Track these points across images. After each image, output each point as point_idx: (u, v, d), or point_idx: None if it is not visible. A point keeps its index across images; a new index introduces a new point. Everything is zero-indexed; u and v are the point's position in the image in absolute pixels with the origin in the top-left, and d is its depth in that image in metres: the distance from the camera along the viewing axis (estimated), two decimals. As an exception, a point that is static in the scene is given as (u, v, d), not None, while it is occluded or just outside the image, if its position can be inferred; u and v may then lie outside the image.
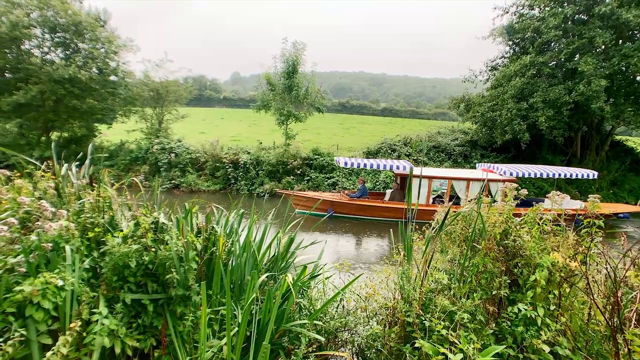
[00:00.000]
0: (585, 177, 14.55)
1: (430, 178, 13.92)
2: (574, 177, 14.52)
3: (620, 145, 23.65)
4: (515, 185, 4.01)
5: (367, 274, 3.97)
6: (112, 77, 20.85)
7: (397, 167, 14.07)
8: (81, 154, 4.30)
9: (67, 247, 2.72)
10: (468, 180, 13.83)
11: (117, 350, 2.61)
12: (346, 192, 15.31)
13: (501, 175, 14.23)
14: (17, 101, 17.75)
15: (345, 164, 14.41)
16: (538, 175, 14.29)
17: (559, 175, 14.36)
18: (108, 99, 20.48)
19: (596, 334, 3.04)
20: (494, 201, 14.45)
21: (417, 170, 14.38)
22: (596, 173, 14.73)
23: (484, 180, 13.73)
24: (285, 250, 4.14)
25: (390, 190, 15.06)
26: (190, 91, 24.77)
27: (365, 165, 14.36)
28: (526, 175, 14.18)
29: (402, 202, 14.13)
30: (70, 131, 20.97)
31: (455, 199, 14.21)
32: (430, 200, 14.01)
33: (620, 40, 18.69)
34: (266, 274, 3.27)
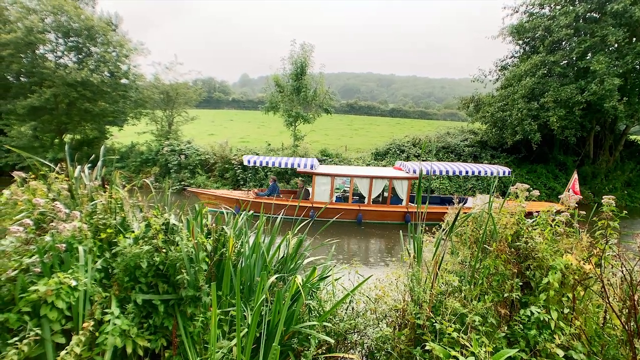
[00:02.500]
0: (497, 174, 14.18)
1: (332, 176, 13.75)
2: (483, 174, 14.23)
3: (635, 145, 23.20)
4: (526, 186, 3.96)
5: (376, 276, 3.95)
6: (123, 80, 21.16)
7: (299, 165, 13.93)
8: (93, 156, 4.36)
9: (80, 248, 2.76)
10: (371, 178, 13.71)
11: (129, 350, 2.64)
12: (255, 190, 15.23)
13: (407, 173, 14.10)
14: (32, 104, 18.12)
15: (248, 162, 14.39)
16: (444, 173, 14.12)
17: (468, 172, 14.09)
18: (119, 101, 20.77)
19: (612, 338, 2.98)
20: (400, 199, 14.11)
21: (321, 168, 14.31)
22: (509, 170, 14.44)
23: (387, 178, 13.74)
24: (294, 251, 4.14)
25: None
26: (199, 93, 24.99)
27: (267, 163, 14.34)
28: (435, 173, 14.08)
29: (306, 200, 13.97)
30: (83, 133, 21.32)
31: (359, 197, 14.10)
32: (334, 199, 13.90)
33: (634, 38, 18.34)
34: (275, 275, 3.27)
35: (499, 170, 14.27)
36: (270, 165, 14.47)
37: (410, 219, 13.58)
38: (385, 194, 14.14)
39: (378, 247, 11.93)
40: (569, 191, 13.44)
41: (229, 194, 14.41)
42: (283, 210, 5.08)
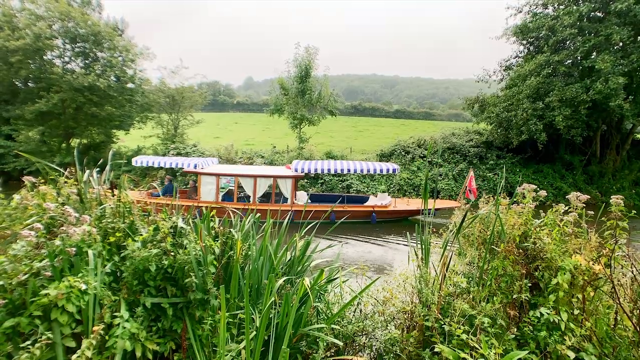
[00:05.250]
0: (386, 171, 14.42)
1: (217, 175, 13.91)
2: (370, 171, 14.45)
3: (643, 144, 22.97)
4: (533, 186, 3.93)
5: (384, 278, 3.94)
6: (129, 85, 21.36)
7: (183, 165, 14.18)
8: (102, 160, 4.40)
9: (90, 252, 2.78)
10: (255, 177, 13.88)
11: (138, 353, 2.65)
12: (150, 191, 15.32)
13: (296, 171, 14.26)
14: (40, 109, 18.34)
15: (136, 162, 14.61)
16: (332, 171, 14.48)
17: (351, 170, 14.40)
18: (125, 105, 20.96)
19: (624, 339, 2.95)
20: (284, 198, 14.10)
21: (209, 168, 14.53)
22: (395, 167, 14.69)
23: (270, 176, 13.95)
24: (302, 254, 4.14)
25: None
26: (204, 97, 25.13)
27: (154, 163, 14.61)
28: (323, 171, 14.39)
29: (194, 199, 14.07)
30: (89, 138, 21.53)
31: (244, 196, 14.32)
32: (220, 198, 14.03)
33: (639, 37, 18.20)
34: (284, 278, 3.27)
35: (386, 167, 14.54)
36: (156, 165, 14.71)
37: (295, 217, 13.59)
38: (282, 193, 14.34)
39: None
40: (466, 189, 13.74)
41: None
42: (290, 213, 5.09)
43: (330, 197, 15.83)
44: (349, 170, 14.50)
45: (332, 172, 14.58)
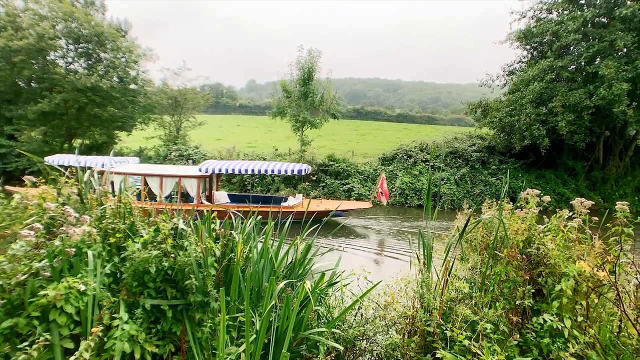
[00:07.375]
0: (291, 172, 14.59)
1: (125, 174, 13.82)
2: (281, 172, 14.66)
3: (646, 150, 22.87)
4: (537, 191, 3.90)
5: (385, 282, 3.91)
6: (132, 86, 21.41)
7: (97, 164, 14.29)
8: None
9: (89, 253, 2.76)
10: (161, 176, 14.06)
11: (137, 355, 2.62)
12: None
13: (200, 171, 14.32)
14: (42, 109, 18.39)
15: (48, 160, 14.60)
16: (243, 172, 14.61)
17: (266, 171, 14.61)
18: (128, 106, 21.01)
19: (627, 347, 2.91)
20: (189, 198, 13.50)
21: (116, 168, 14.64)
22: (309, 168, 14.82)
23: (176, 176, 14.13)
24: (303, 257, 4.12)
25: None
26: (207, 99, 25.18)
27: (66, 161, 14.64)
28: (227, 171, 14.51)
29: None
30: (92, 138, 21.58)
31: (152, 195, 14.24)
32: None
33: (644, 43, 18.16)
34: (285, 281, 3.25)
35: (292, 168, 14.74)
36: (66, 164, 14.69)
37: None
38: (188, 192, 14.38)
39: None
40: (378, 191, 13.91)
41: None
42: (292, 215, 5.07)
43: (248, 197, 16.01)
44: (253, 171, 14.72)
45: (238, 172, 14.82)
